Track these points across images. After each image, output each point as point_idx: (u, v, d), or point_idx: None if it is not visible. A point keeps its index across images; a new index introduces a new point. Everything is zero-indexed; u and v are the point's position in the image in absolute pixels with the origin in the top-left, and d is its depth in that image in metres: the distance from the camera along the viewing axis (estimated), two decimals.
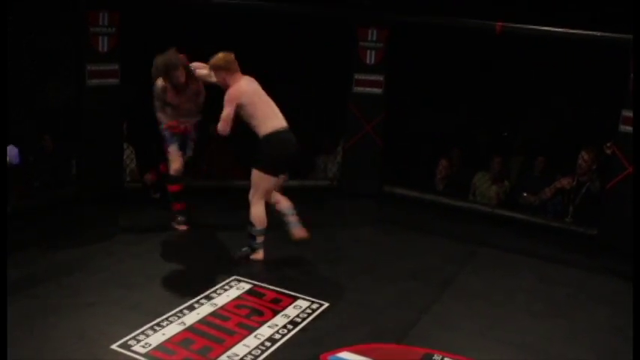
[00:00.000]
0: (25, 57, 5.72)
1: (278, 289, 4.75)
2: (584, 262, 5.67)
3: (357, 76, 6.88)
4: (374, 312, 4.55)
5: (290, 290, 4.73)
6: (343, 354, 3.95)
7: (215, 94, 5.21)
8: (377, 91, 6.87)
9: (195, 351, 3.91)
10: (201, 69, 5.42)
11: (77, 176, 6.24)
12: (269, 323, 4.28)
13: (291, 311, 4.45)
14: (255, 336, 4.12)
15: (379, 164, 7.05)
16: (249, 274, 4.93)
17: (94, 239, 5.38)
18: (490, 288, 5.04)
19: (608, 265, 5.56)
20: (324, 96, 7.40)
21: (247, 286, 4.77)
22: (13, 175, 4.73)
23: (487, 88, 7.31)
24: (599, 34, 5.87)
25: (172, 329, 4.13)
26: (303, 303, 4.57)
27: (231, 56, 5.02)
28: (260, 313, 4.40)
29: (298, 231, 5.25)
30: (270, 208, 5.15)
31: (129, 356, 3.83)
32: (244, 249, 5.18)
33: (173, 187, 5.71)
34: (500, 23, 6.19)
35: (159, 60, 5.40)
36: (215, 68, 5.04)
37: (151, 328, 4.12)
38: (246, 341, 4.05)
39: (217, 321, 4.28)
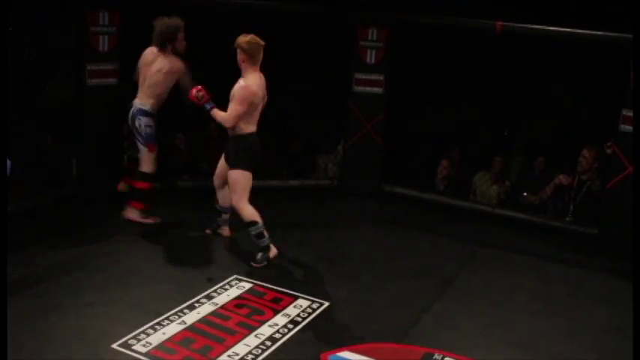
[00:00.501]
0: (25, 57, 5.71)
1: (278, 288, 4.75)
2: (584, 262, 5.67)
3: (357, 76, 6.88)
4: (374, 311, 4.56)
5: (290, 289, 4.73)
6: (344, 353, 3.95)
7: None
8: (377, 90, 6.87)
9: (195, 350, 3.92)
10: None
11: (77, 176, 6.23)
12: (269, 322, 4.28)
13: (292, 310, 4.45)
14: (256, 335, 4.12)
15: (379, 164, 7.05)
16: (249, 274, 4.94)
17: (94, 239, 5.38)
18: (490, 287, 5.05)
19: (608, 265, 5.57)
20: (325, 95, 7.40)
21: (248, 286, 4.77)
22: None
23: (487, 88, 7.31)
24: (600, 33, 5.87)
25: (173, 328, 4.13)
26: (303, 302, 4.58)
27: (260, 46, 4.95)
28: (260, 313, 4.40)
29: (226, 230, 5.56)
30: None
31: (129, 355, 3.83)
32: (259, 255, 5.10)
33: (145, 185, 5.65)
34: (500, 23, 6.19)
35: (166, 21, 5.33)
36: (240, 47, 4.94)
37: (152, 327, 4.12)
38: (246, 340, 4.05)
39: (218, 320, 4.28)
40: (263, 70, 5.05)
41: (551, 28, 6.09)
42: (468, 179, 7.16)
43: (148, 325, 4.13)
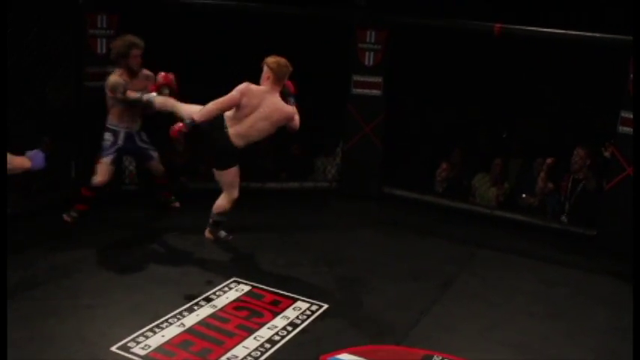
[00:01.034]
0: (24, 57, 5.71)
1: (277, 290, 4.75)
2: (583, 264, 5.67)
3: (355, 78, 6.88)
4: (374, 313, 4.56)
5: (289, 292, 4.72)
6: (343, 356, 3.95)
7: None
8: (376, 92, 6.87)
9: (194, 353, 3.91)
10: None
11: (76, 178, 6.23)
12: (268, 325, 4.28)
13: (291, 313, 4.45)
14: (255, 338, 4.12)
15: (378, 166, 7.05)
16: (248, 276, 4.93)
17: (93, 241, 5.37)
18: (489, 289, 5.05)
19: (608, 267, 5.57)
20: (323, 97, 7.40)
21: (247, 288, 4.77)
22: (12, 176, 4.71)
23: (486, 90, 7.31)
24: (598, 35, 5.87)
25: (172, 331, 4.13)
26: (302, 304, 4.57)
27: (288, 69, 5.12)
28: (259, 315, 4.40)
29: (207, 231, 5.55)
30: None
31: (128, 358, 3.83)
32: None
33: (87, 192, 5.69)
34: (498, 25, 6.20)
35: (121, 38, 5.52)
36: (269, 65, 5.07)
37: (151, 329, 4.12)
38: (245, 343, 4.05)
39: (217, 323, 4.27)
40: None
41: (549, 30, 6.09)
42: (467, 182, 7.17)
43: (147, 328, 4.12)
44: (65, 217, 5.69)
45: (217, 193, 5.34)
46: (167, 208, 6.16)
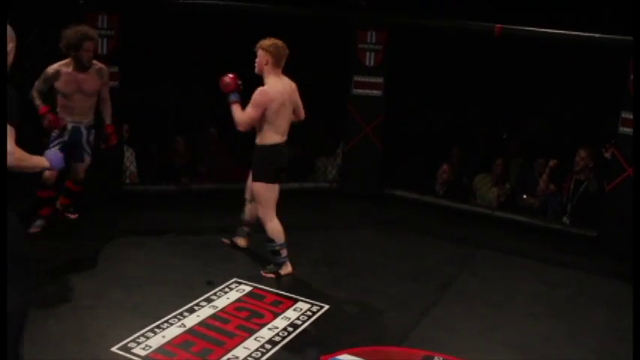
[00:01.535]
0: (24, 57, 5.70)
1: (278, 291, 4.75)
2: (584, 264, 5.67)
3: (356, 78, 6.89)
4: (374, 314, 4.56)
5: (290, 293, 4.72)
6: (343, 356, 3.95)
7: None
8: (376, 93, 6.88)
9: (195, 353, 3.91)
10: None
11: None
12: (269, 326, 4.28)
13: (292, 314, 4.45)
14: (256, 338, 4.12)
15: (379, 166, 7.05)
16: (249, 277, 4.93)
17: (93, 242, 5.37)
18: (490, 290, 5.05)
19: (608, 267, 5.57)
20: (324, 98, 7.39)
21: (247, 289, 4.76)
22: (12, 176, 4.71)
23: (486, 90, 7.31)
24: (598, 35, 5.87)
25: (172, 332, 4.12)
26: (303, 305, 4.57)
27: (285, 51, 4.81)
28: (260, 316, 4.40)
29: (242, 240, 5.39)
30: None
31: (129, 359, 3.82)
32: (269, 267, 5.02)
33: (43, 194, 5.37)
34: (499, 25, 6.20)
35: (70, 31, 5.04)
36: (264, 48, 4.77)
37: (151, 330, 4.11)
38: (246, 343, 4.05)
39: (217, 323, 4.27)
40: None
41: (550, 30, 6.09)
42: (467, 183, 7.17)
43: (147, 328, 4.12)
44: (32, 229, 5.26)
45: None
46: (62, 217, 5.63)
